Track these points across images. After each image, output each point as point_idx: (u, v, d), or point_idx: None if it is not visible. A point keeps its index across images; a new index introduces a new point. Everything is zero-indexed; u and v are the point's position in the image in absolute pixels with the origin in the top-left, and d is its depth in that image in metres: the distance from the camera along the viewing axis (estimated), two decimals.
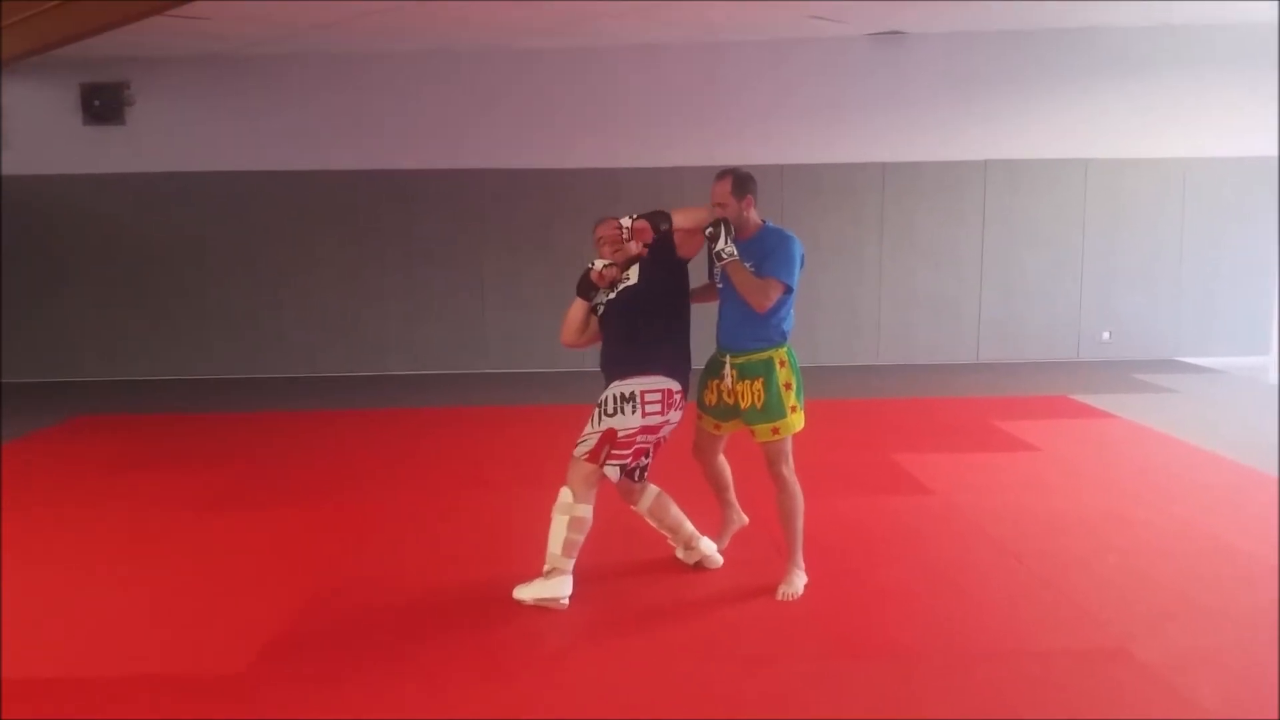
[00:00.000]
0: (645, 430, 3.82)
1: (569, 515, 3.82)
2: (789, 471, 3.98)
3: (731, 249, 3.80)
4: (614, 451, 3.80)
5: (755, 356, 3.90)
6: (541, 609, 3.84)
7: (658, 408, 3.81)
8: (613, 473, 3.86)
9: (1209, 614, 3.77)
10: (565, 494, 3.85)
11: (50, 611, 3.94)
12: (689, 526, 4.22)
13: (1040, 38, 9.57)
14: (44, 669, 3.42)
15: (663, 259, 3.94)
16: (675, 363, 3.91)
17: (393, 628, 3.75)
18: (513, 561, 4.21)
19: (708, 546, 4.26)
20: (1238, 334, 10.01)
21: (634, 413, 3.79)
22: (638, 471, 4.02)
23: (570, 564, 3.87)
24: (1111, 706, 3.10)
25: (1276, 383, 8.79)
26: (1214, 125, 9.70)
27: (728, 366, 3.95)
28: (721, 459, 4.27)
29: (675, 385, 3.88)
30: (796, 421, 3.94)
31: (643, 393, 3.80)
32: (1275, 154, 9.68)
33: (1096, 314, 10.02)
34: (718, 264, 3.91)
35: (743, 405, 3.93)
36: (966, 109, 9.71)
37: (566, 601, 3.86)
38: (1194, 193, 9.82)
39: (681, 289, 4.01)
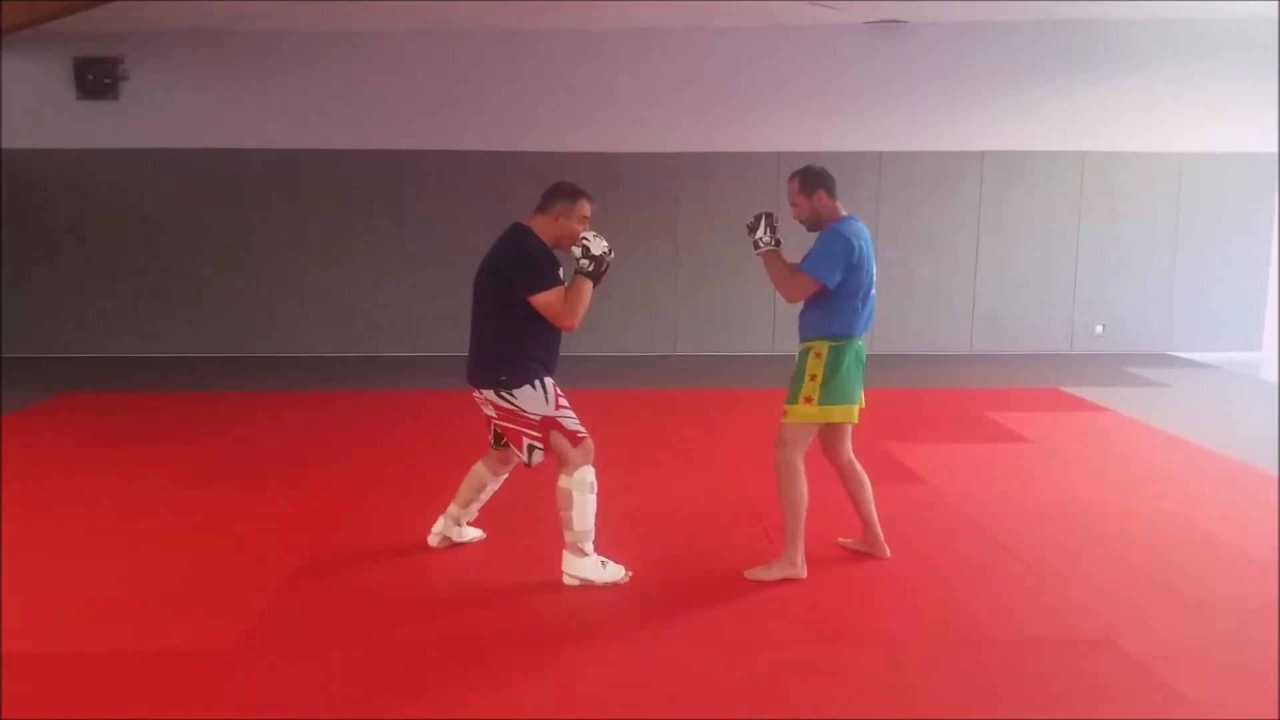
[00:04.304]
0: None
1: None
2: (784, 456, 3.95)
3: (767, 238, 3.99)
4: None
5: (803, 344, 4.03)
6: (520, 595, 3.85)
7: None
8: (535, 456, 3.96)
9: (1193, 606, 3.78)
10: (586, 471, 3.91)
11: (38, 587, 3.92)
12: (470, 513, 4.30)
13: (1038, 30, 9.55)
14: (32, 644, 3.40)
15: None
16: None
17: (376, 610, 3.74)
18: (497, 544, 4.20)
19: (459, 535, 4.33)
20: (1231, 329, 10.03)
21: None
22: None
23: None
24: (1095, 695, 3.10)
25: (1270, 379, 8.81)
26: (1209, 120, 9.70)
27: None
28: (851, 463, 4.17)
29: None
30: (804, 411, 3.93)
31: None
32: (1270, 150, 9.70)
33: (1090, 307, 10.03)
34: (754, 253, 4.04)
35: None
36: (964, 100, 9.69)
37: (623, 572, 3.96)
38: (1189, 187, 9.82)
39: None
